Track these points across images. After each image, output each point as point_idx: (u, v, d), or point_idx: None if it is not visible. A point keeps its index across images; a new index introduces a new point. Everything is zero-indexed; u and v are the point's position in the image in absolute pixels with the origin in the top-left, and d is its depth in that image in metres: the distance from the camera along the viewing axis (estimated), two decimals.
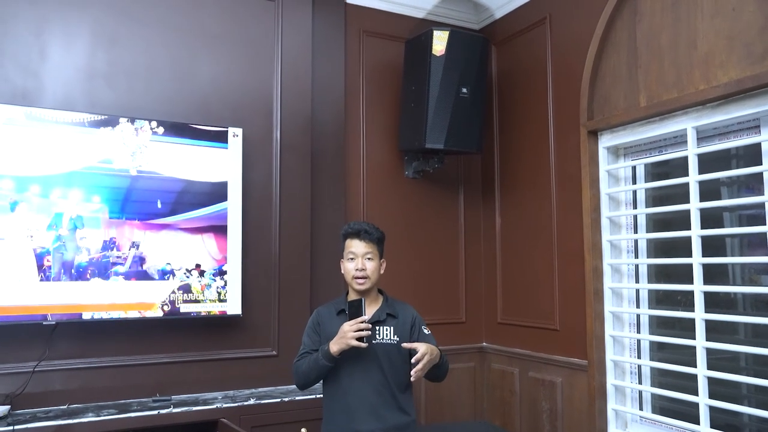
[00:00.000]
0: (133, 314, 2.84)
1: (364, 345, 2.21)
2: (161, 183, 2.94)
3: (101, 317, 2.77)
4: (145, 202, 2.91)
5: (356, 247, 2.36)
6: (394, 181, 3.74)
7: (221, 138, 3.09)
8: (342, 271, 2.42)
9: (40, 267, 2.69)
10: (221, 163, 3.08)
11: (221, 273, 3.04)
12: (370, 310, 2.36)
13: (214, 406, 2.81)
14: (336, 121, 3.56)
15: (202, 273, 3.00)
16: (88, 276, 2.76)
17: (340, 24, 3.61)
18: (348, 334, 2.20)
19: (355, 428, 2.26)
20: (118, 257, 2.84)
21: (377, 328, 2.33)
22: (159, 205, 2.94)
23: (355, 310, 2.26)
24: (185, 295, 2.94)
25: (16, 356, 2.71)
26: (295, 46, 3.41)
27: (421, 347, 2.21)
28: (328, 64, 3.55)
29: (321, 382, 2.39)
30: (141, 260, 2.88)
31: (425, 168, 3.73)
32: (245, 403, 2.88)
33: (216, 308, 3.01)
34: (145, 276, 2.88)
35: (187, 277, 2.97)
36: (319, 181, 3.46)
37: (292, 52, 3.40)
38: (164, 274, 2.92)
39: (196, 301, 2.97)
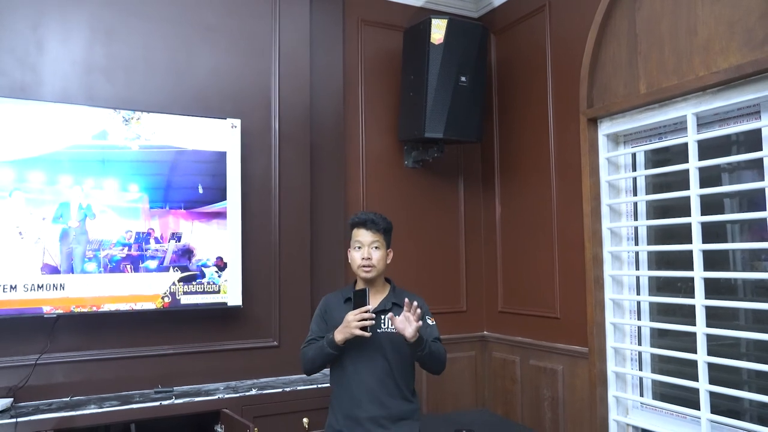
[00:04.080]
0: (136, 306, 2.84)
1: (367, 334, 2.22)
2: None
3: (103, 310, 2.77)
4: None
5: (363, 236, 2.38)
6: (394, 170, 3.74)
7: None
8: (349, 260, 2.44)
9: (60, 257, 2.70)
10: (221, 138, 3.08)
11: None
12: (376, 299, 2.38)
13: (216, 397, 2.82)
14: (335, 111, 3.55)
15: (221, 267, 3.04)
16: (90, 267, 2.76)
17: (338, 13, 3.59)
18: (352, 324, 2.22)
19: (359, 415, 2.29)
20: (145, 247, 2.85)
21: (383, 317, 2.34)
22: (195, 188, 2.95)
23: (359, 299, 2.27)
24: (186, 286, 2.95)
25: (18, 349, 2.71)
26: (293, 37, 3.39)
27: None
28: (326, 54, 3.53)
29: (327, 369, 2.41)
30: (187, 252, 2.95)
31: (425, 157, 3.73)
32: (247, 393, 2.89)
33: (216, 299, 3.02)
34: (152, 269, 2.89)
35: (219, 275, 3.01)
36: (319, 171, 3.45)
37: (290, 42, 3.38)
38: (202, 268, 2.98)
39: (199, 293, 2.98)
